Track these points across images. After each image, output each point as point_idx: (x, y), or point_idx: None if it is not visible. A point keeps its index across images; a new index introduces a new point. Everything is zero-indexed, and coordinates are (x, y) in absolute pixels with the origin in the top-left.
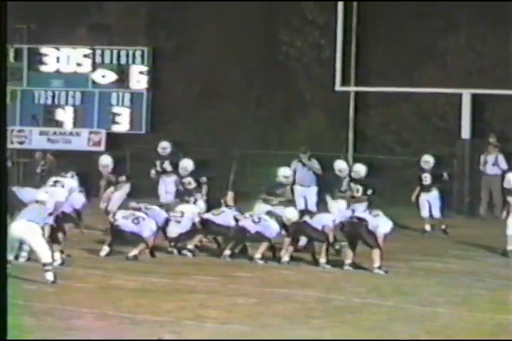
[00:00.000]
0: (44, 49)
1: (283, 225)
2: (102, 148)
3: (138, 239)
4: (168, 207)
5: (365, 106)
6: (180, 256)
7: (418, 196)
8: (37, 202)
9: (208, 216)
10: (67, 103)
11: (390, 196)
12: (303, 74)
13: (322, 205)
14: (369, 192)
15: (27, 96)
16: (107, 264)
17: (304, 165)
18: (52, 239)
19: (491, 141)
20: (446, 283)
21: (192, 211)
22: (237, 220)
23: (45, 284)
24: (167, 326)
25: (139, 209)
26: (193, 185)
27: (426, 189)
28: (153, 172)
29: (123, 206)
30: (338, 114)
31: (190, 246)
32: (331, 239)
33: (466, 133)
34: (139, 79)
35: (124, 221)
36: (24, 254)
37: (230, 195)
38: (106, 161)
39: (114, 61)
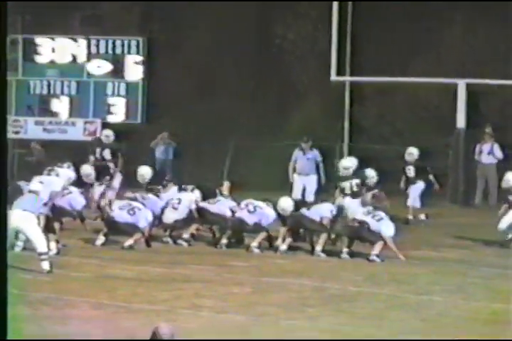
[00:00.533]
0: (39, 39)
1: (278, 215)
2: None
3: (134, 229)
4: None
5: (360, 97)
6: (176, 246)
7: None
8: (30, 191)
9: (203, 204)
10: (62, 93)
11: (386, 186)
12: (297, 66)
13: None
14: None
15: (22, 86)
16: (103, 253)
17: (304, 154)
18: (47, 229)
19: (486, 131)
20: (442, 272)
21: (189, 198)
22: (233, 212)
23: (40, 273)
24: (163, 315)
25: (134, 199)
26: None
27: (411, 181)
28: (91, 159)
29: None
30: (334, 105)
31: (185, 235)
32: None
33: (461, 122)
34: (134, 69)
35: (119, 212)
36: (20, 244)
37: (226, 184)
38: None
39: (110, 51)
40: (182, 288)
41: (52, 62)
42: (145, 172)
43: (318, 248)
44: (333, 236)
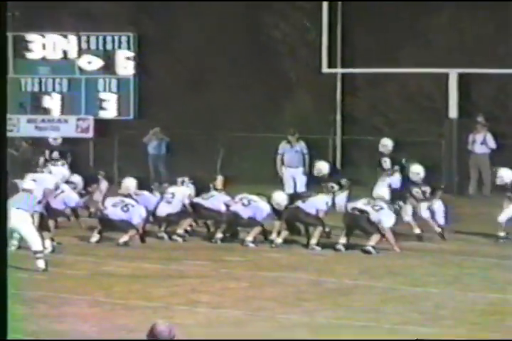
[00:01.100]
0: (29, 36)
1: (273, 209)
2: (90, 134)
3: (128, 226)
4: None
5: (352, 88)
6: (171, 241)
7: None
8: (24, 190)
9: (197, 200)
10: (54, 90)
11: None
12: (289, 57)
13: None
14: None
15: (14, 83)
16: (98, 251)
17: (291, 146)
18: (42, 227)
19: (478, 120)
20: (437, 263)
21: (183, 193)
22: (227, 206)
23: (36, 272)
24: (159, 311)
25: (128, 196)
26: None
27: (388, 172)
28: (41, 160)
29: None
30: (326, 96)
31: (180, 230)
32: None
33: (453, 112)
34: (125, 65)
35: (113, 209)
36: (15, 243)
37: (220, 178)
38: None
39: (100, 47)
40: (178, 284)
41: (43, 58)
42: (130, 184)
43: (313, 241)
44: (327, 229)
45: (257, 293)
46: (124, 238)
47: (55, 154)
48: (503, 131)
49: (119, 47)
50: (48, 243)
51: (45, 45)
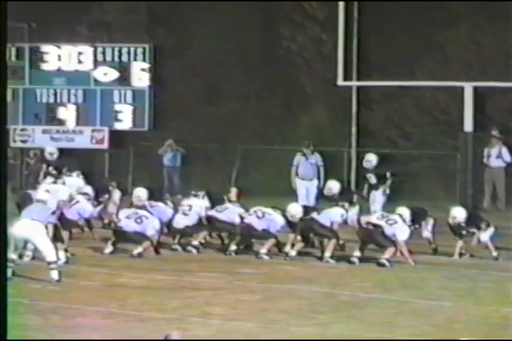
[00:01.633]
0: (45, 47)
1: (287, 221)
2: (105, 145)
3: (142, 238)
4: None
5: (367, 101)
6: (185, 253)
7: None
8: (38, 201)
9: (211, 213)
10: (69, 101)
11: (395, 190)
12: (304, 69)
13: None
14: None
15: (29, 94)
16: (112, 262)
17: (306, 159)
18: (56, 238)
19: (493, 134)
20: (451, 277)
21: (200, 205)
22: (242, 218)
23: (50, 283)
24: (173, 323)
25: (143, 207)
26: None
27: (373, 188)
28: (41, 175)
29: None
30: (341, 108)
31: (195, 242)
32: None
33: (468, 126)
34: (140, 76)
35: (126, 221)
36: (28, 253)
37: (234, 191)
38: None
39: (116, 58)
40: (192, 296)
41: (58, 69)
42: (141, 193)
43: (328, 254)
44: (341, 241)
45: (270, 305)
46: (138, 249)
47: (51, 169)
48: None
49: (135, 58)
50: (61, 254)
51: (61, 56)
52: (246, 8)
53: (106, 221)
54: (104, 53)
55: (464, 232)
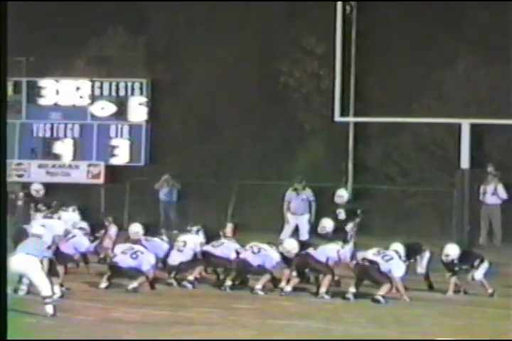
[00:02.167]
0: (43, 82)
1: (283, 257)
2: (102, 180)
3: (137, 273)
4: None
5: (364, 137)
6: (180, 288)
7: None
8: (33, 235)
9: (207, 248)
10: (65, 136)
11: (392, 226)
12: (302, 105)
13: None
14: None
15: (26, 129)
16: (107, 297)
17: (298, 194)
18: (51, 272)
19: (489, 171)
20: (447, 313)
21: (194, 241)
22: (237, 253)
23: (45, 317)
24: None
25: (138, 242)
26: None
27: (342, 223)
28: (32, 213)
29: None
30: (338, 144)
31: (190, 277)
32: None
33: (465, 163)
34: (137, 111)
35: (122, 256)
36: (23, 287)
37: (229, 226)
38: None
39: (113, 93)
40: (186, 330)
41: (55, 104)
42: (138, 229)
43: (323, 289)
44: (337, 277)
45: None
46: (134, 284)
47: (40, 206)
48: None
49: (132, 93)
50: (56, 288)
51: (58, 91)
52: (244, 44)
53: (101, 255)
54: (101, 88)
55: (456, 269)
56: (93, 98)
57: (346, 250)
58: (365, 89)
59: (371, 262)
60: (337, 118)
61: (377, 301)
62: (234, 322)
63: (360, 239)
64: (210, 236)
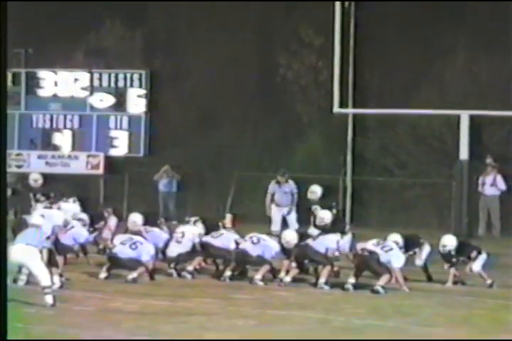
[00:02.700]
0: (42, 73)
1: (282, 248)
2: (101, 171)
3: (136, 264)
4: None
5: (363, 129)
6: (180, 278)
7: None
8: (32, 225)
9: (206, 239)
10: (65, 127)
11: (390, 218)
12: (300, 97)
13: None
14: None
15: (25, 120)
16: (106, 287)
17: (280, 187)
18: (50, 263)
19: (488, 162)
20: (446, 304)
21: (193, 232)
22: (237, 244)
23: (44, 307)
24: None
25: (138, 232)
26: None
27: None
28: (33, 203)
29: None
30: (336, 136)
31: (189, 267)
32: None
33: (464, 154)
34: (136, 102)
35: (121, 247)
36: (23, 277)
37: (229, 217)
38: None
39: (112, 84)
40: (186, 321)
41: (54, 95)
42: (137, 219)
43: (322, 280)
44: (336, 268)
45: (264, 331)
46: (133, 274)
47: (39, 196)
48: None
49: (131, 85)
50: (56, 278)
51: (57, 82)
52: (243, 36)
53: (101, 246)
54: (100, 79)
55: (454, 260)
56: (92, 89)
57: (346, 241)
58: (364, 81)
59: (371, 252)
60: (335, 110)
61: (377, 292)
62: (233, 312)
63: (358, 231)
64: (210, 227)
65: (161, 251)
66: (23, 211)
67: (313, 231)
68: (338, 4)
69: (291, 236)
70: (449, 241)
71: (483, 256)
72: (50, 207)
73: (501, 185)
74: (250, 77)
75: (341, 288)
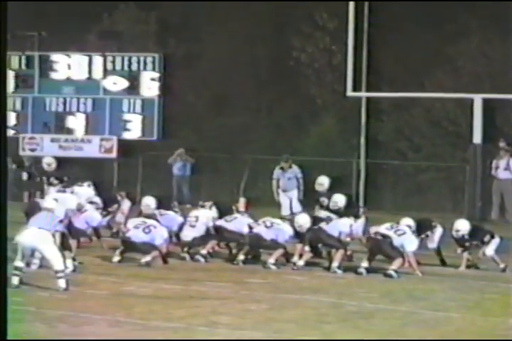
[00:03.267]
0: (55, 56)
1: (295, 232)
2: (114, 154)
3: (150, 248)
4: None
5: (376, 112)
6: (193, 262)
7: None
8: (45, 209)
9: (220, 222)
10: (78, 110)
11: (404, 202)
12: (314, 80)
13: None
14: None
15: (38, 103)
16: (119, 271)
17: (283, 172)
18: (63, 246)
19: (501, 146)
20: (459, 288)
21: (206, 216)
22: (251, 228)
23: (57, 291)
24: (179, 332)
25: (152, 216)
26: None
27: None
28: (46, 187)
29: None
30: (350, 119)
31: (203, 251)
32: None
33: (477, 138)
34: (150, 85)
35: (135, 231)
36: (36, 261)
37: (242, 201)
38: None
39: (126, 68)
40: (199, 305)
41: (68, 78)
42: (150, 202)
43: (335, 264)
44: (349, 252)
45: (277, 315)
46: (146, 258)
47: (53, 179)
48: None
49: (144, 68)
50: (69, 262)
51: (71, 65)
52: (256, 19)
53: (114, 230)
54: (113, 62)
55: (467, 244)
56: (105, 72)
57: (359, 224)
58: (378, 64)
59: (384, 236)
60: (349, 93)
61: (390, 276)
62: (246, 296)
63: (371, 215)
64: (223, 211)
65: (175, 235)
66: (36, 194)
67: (319, 213)
68: None
69: (304, 220)
70: (463, 226)
71: (496, 240)
72: (64, 191)
73: None
74: (264, 60)
75: (354, 272)
